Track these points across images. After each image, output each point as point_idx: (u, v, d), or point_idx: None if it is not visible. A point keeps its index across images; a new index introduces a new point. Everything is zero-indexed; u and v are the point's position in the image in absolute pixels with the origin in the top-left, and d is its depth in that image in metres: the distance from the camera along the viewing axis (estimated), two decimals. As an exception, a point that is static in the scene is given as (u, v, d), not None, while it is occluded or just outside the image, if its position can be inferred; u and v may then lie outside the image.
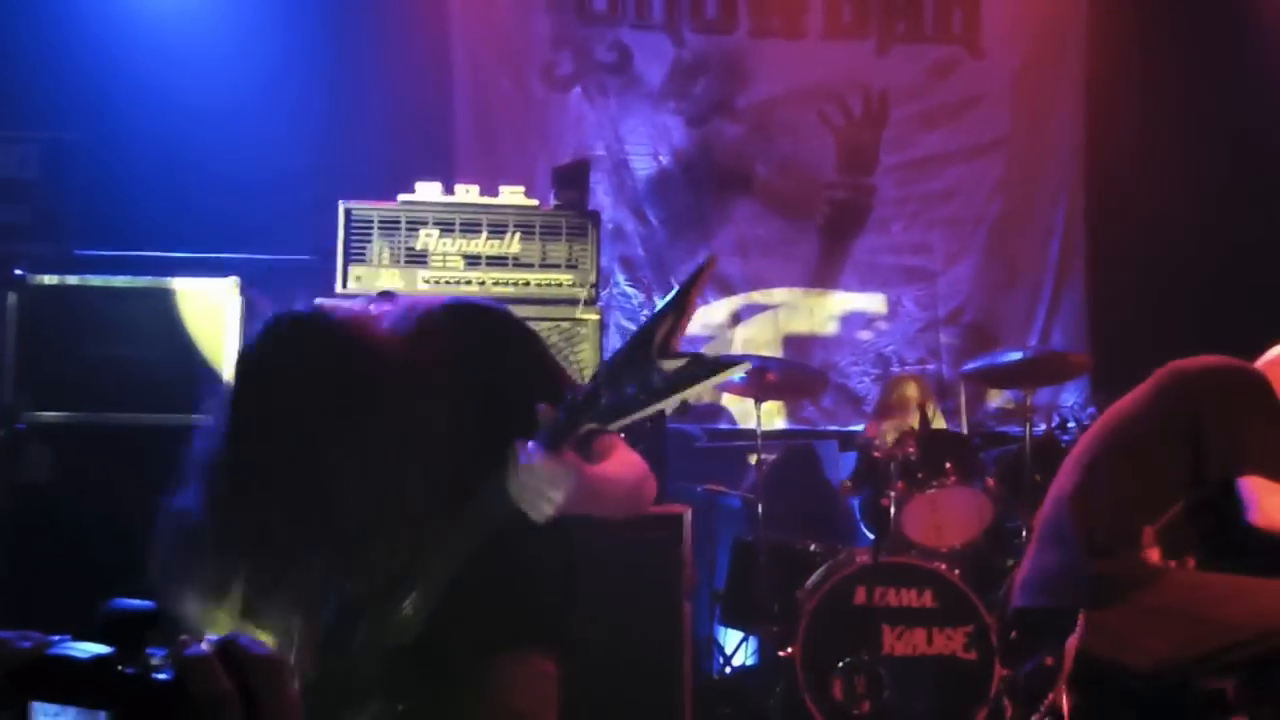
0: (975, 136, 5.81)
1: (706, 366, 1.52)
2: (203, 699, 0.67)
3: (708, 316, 5.62)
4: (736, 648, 4.68)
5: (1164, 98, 5.61)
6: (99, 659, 0.68)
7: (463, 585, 1.85)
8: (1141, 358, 4.55)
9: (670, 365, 1.52)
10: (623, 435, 2.05)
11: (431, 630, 1.84)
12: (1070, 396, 5.30)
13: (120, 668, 0.68)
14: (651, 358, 1.53)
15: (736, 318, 5.65)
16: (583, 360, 3.33)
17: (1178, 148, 5.53)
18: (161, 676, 0.68)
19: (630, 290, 5.53)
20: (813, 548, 4.40)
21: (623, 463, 2.00)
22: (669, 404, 1.54)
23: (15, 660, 0.69)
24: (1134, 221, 5.61)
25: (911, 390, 4.87)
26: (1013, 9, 5.88)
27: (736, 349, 5.47)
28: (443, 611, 1.84)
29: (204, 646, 0.70)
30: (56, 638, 0.71)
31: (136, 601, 0.72)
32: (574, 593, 2.09)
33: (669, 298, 1.57)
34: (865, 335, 5.71)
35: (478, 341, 1.94)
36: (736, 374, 1.57)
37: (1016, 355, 4.42)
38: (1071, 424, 4.44)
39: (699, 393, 1.59)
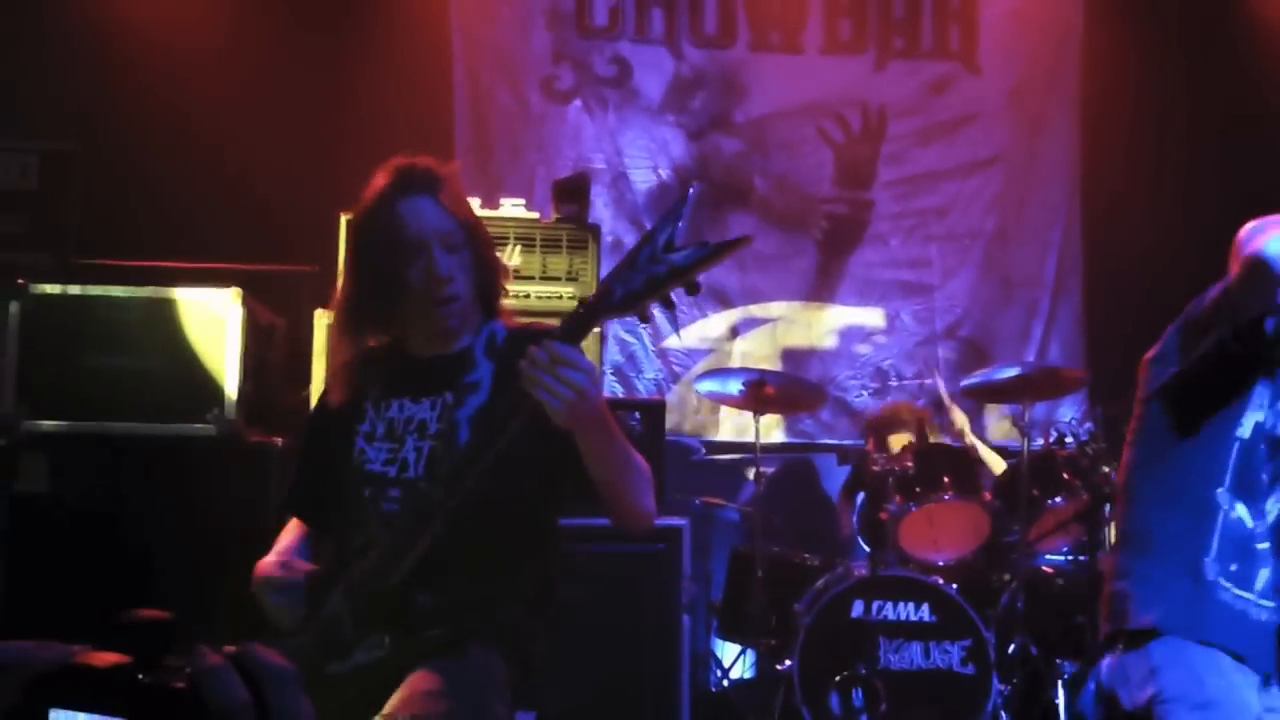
0: (972, 152, 5.83)
1: (709, 248, 1.71)
2: (218, 709, 0.68)
3: (705, 330, 5.63)
4: (734, 661, 4.68)
5: (1160, 114, 5.64)
6: (117, 668, 0.69)
7: (440, 561, 1.89)
8: (1138, 373, 4.60)
9: (675, 255, 1.71)
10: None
11: (403, 594, 1.89)
12: (1068, 411, 5.30)
13: (139, 676, 0.69)
14: (657, 254, 1.71)
15: (734, 331, 5.66)
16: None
17: (1174, 163, 5.56)
18: (178, 686, 0.68)
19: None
20: (810, 561, 4.41)
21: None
22: (679, 283, 1.71)
23: (35, 668, 0.70)
24: (1131, 237, 5.63)
25: (906, 414, 4.87)
26: (1010, 27, 5.91)
27: (734, 363, 5.48)
28: (416, 580, 1.89)
29: (220, 656, 0.70)
30: (76, 647, 0.72)
31: (153, 611, 0.73)
32: (541, 610, 2.13)
33: (665, 212, 1.76)
34: (863, 349, 5.72)
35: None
36: (737, 250, 1.75)
37: (1014, 370, 4.43)
38: (1069, 439, 4.44)
39: (704, 270, 1.74)
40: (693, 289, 1.74)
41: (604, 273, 3.89)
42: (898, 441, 4.64)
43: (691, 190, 1.82)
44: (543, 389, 1.75)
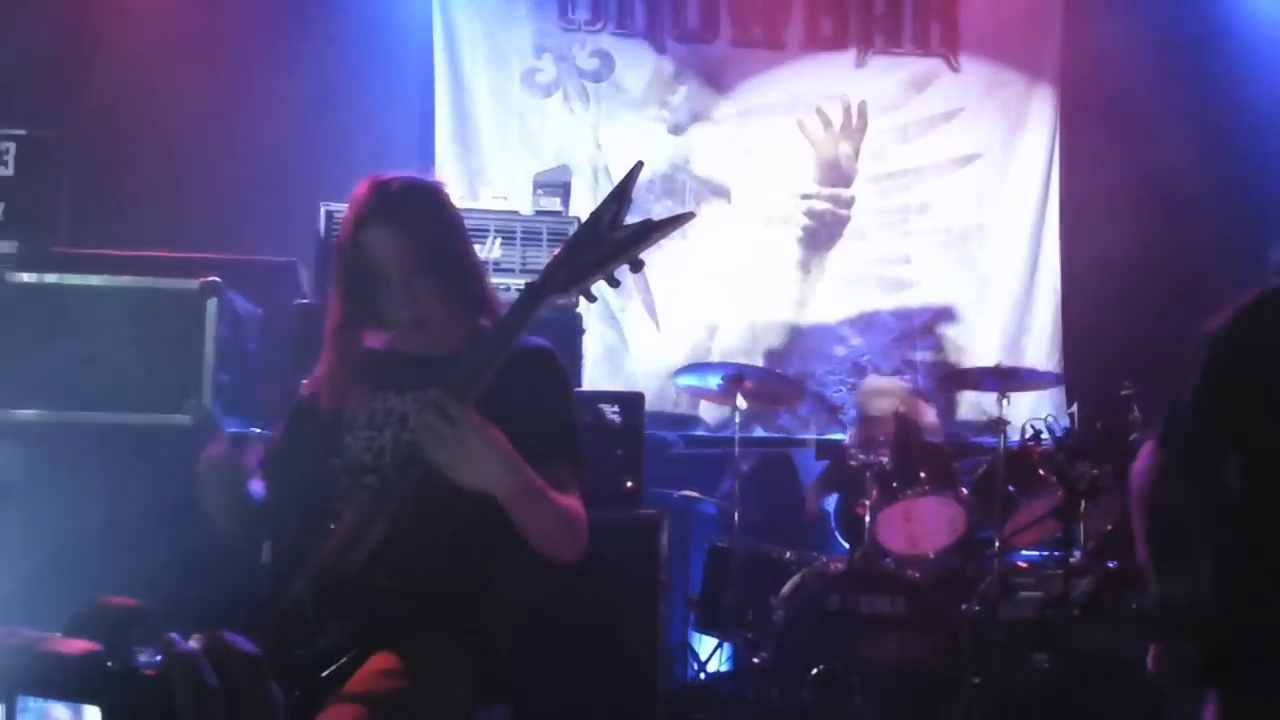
0: (952, 149, 5.86)
1: (653, 225, 1.73)
2: (188, 695, 0.67)
3: (685, 323, 5.64)
4: (710, 654, 4.70)
5: (1139, 112, 5.68)
6: (87, 656, 0.69)
7: (402, 543, 1.91)
8: (1114, 370, 4.63)
9: (620, 233, 1.73)
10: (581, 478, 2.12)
11: (364, 578, 1.90)
12: (1044, 408, 5.34)
13: (108, 664, 0.68)
14: (601, 234, 1.74)
15: (713, 327, 5.67)
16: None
17: (1153, 161, 5.59)
18: (148, 673, 0.68)
19: (609, 295, 5.52)
20: (787, 555, 4.43)
21: (568, 503, 2.04)
22: (623, 260, 1.73)
23: (4, 655, 0.70)
24: (1108, 235, 5.67)
25: (888, 398, 4.89)
26: (990, 24, 5.93)
27: (714, 358, 5.49)
28: (378, 563, 1.90)
29: (190, 644, 0.70)
30: (46, 635, 0.71)
31: (123, 599, 0.73)
32: (505, 604, 2.15)
33: (611, 192, 1.78)
34: (841, 345, 5.74)
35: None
36: (681, 225, 1.76)
37: (991, 366, 4.46)
38: (1045, 435, 4.47)
39: (648, 247, 1.76)
40: (636, 266, 1.76)
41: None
42: (878, 409, 4.64)
43: (637, 168, 1.79)
44: (457, 476, 1.83)
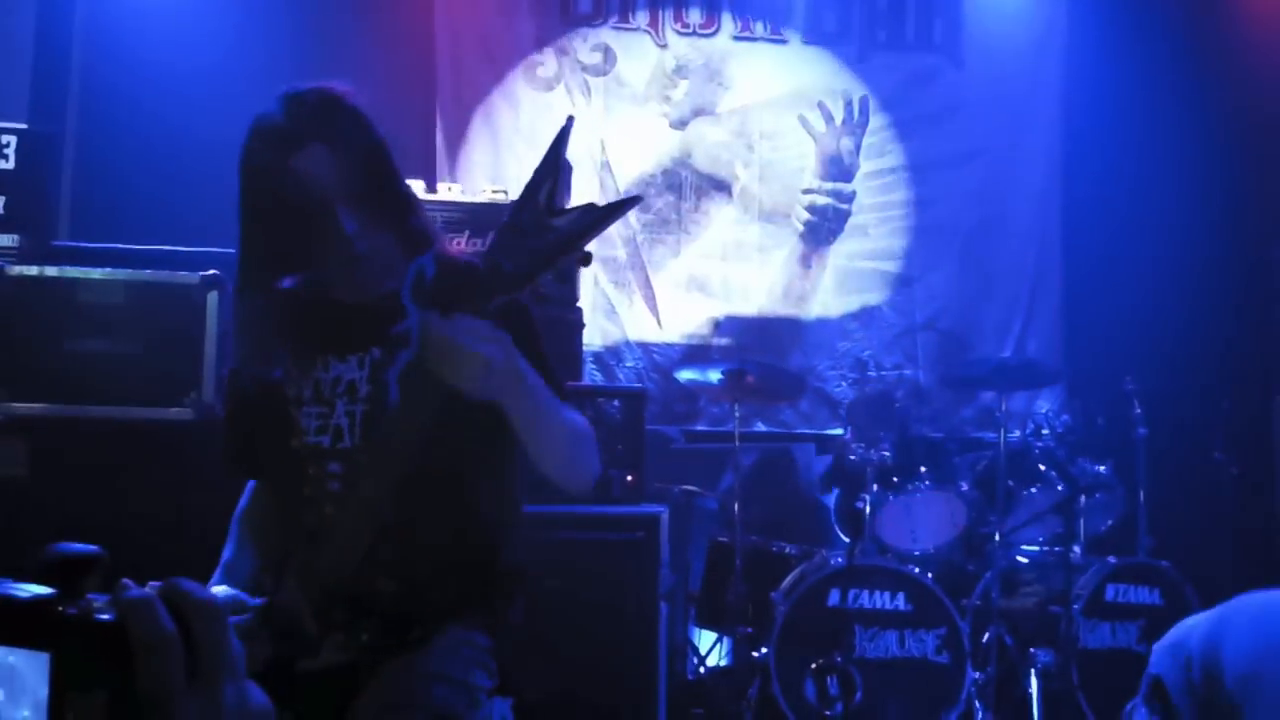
0: (954, 145, 5.85)
1: (599, 211, 1.52)
2: (144, 642, 0.66)
3: (686, 319, 5.64)
4: (710, 649, 4.70)
5: (1142, 109, 5.67)
6: (39, 600, 0.67)
7: (395, 540, 1.78)
8: (1116, 366, 4.63)
9: (562, 220, 1.52)
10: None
11: (363, 581, 1.79)
12: (1045, 403, 5.34)
13: (60, 609, 0.67)
14: (541, 219, 1.52)
15: (715, 321, 5.67)
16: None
17: (1155, 159, 5.59)
18: (103, 618, 0.66)
19: (610, 290, 5.54)
20: (788, 550, 4.43)
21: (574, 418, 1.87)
22: (569, 253, 1.52)
23: None
24: (1110, 232, 5.67)
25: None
26: (993, 21, 5.93)
27: (715, 353, 5.50)
28: (374, 564, 1.78)
29: (146, 590, 0.69)
30: None
31: (78, 545, 0.71)
32: (513, 580, 2.01)
33: (541, 164, 1.56)
34: (843, 340, 5.74)
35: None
36: (626, 211, 1.57)
37: (992, 362, 4.45)
38: (1045, 430, 4.47)
39: (595, 237, 1.55)
40: (584, 260, 1.55)
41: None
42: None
43: (566, 128, 1.56)
44: (449, 368, 1.58)
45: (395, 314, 1.68)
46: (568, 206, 1.52)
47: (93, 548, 0.69)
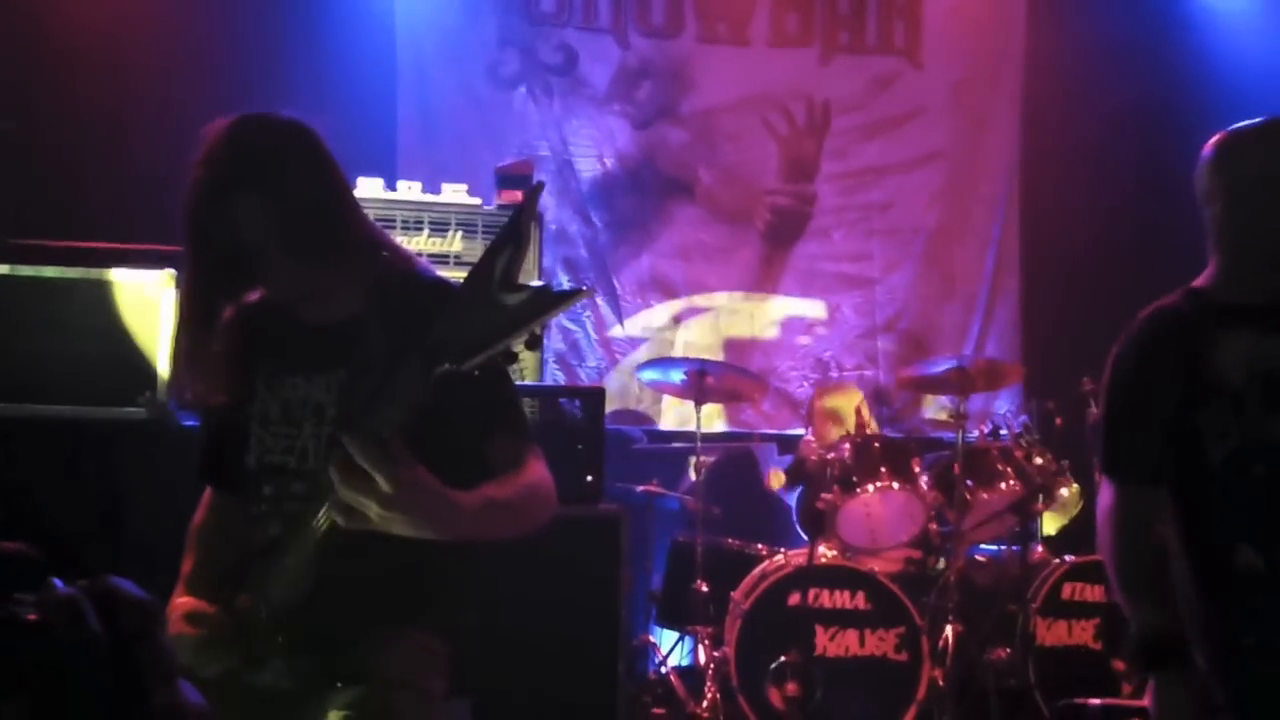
0: (915, 148, 5.90)
1: (551, 298, 1.45)
2: (68, 640, 0.65)
3: (649, 319, 5.65)
4: (672, 648, 4.70)
5: (1100, 112, 5.74)
6: None
7: (348, 555, 1.75)
8: (1073, 368, 4.67)
9: (513, 299, 1.44)
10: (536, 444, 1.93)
11: (318, 597, 1.78)
12: (1003, 404, 5.39)
13: None
14: (493, 294, 1.45)
15: (677, 320, 5.68)
16: (522, 360, 3.33)
17: (1113, 162, 5.66)
18: (28, 618, 0.65)
19: (572, 292, 5.52)
20: (749, 550, 4.44)
21: (518, 482, 1.83)
22: (518, 338, 1.45)
23: None
24: (1068, 234, 5.73)
25: (844, 398, 4.93)
26: (953, 24, 5.98)
27: (677, 352, 5.50)
28: (328, 579, 1.77)
29: (73, 589, 0.68)
30: None
31: (9, 544, 0.70)
32: (464, 581, 2.00)
33: (503, 230, 1.49)
34: (804, 340, 5.77)
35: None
36: (578, 301, 1.50)
37: (951, 363, 4.49)
38: (1004, 431, 4.52)
39: (545, 323, 1.47)
40: (533, 344, 1.47)
41: (544, 261, 3.88)
42: (836, 432, 4.68)
43: (535, 189, 1.58)
44: (350, 502, 1.56)
45: (359, 336, 1.70)
46: (521, 283, 1.45)
47: (16, 546, 0.68)
